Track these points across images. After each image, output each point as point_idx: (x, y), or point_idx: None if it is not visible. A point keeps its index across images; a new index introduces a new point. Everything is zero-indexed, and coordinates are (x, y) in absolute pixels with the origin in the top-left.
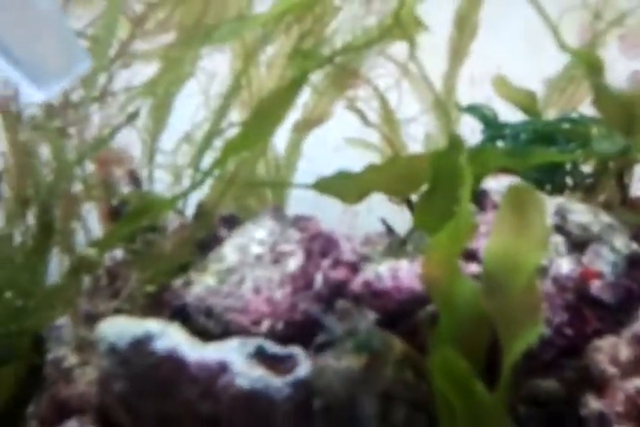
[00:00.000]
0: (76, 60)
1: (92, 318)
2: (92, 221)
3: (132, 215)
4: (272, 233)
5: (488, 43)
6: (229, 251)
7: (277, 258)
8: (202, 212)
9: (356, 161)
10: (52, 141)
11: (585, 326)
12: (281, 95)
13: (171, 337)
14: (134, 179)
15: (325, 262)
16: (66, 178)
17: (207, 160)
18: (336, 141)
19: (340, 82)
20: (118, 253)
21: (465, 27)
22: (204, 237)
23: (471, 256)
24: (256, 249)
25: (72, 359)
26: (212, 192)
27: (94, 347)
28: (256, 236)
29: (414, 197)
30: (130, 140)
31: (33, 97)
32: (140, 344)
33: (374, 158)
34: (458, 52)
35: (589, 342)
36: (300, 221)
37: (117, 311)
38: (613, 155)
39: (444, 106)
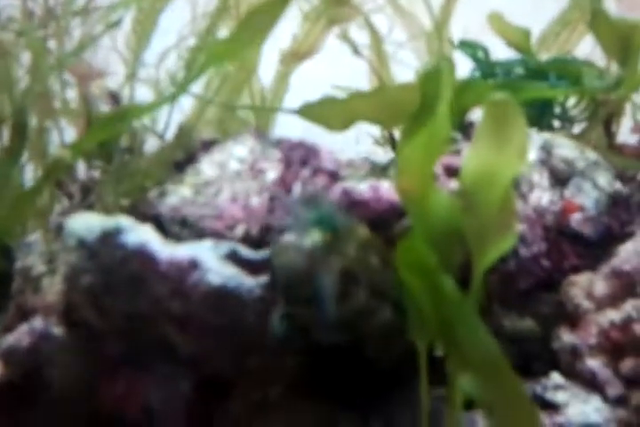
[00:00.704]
0: None
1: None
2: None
3: (109, 120)
4: (252, 151)
5: None
6: (207, 166)
7: (256, 175)
8: (181, 132)
9: None
10: (32, 46)
11: (562, 260)
12: (270, 6)
13: (141, 233)
14: (113, 97)
15: (305, 171)
16: (42, 81)
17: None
18: (324, 76)
19: (332, 12)
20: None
21: None
22: (182, 158)
23: (454, 172)
24: (235, 165)
25: (40, 268)
26: (192, 114)
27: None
28: (235, 153)
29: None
30: (112, 59)
31: None
32: (110, 237)
33: None
34: None
35: (566, 276)
36: (281, 143)
37: None
38: (604, 90)
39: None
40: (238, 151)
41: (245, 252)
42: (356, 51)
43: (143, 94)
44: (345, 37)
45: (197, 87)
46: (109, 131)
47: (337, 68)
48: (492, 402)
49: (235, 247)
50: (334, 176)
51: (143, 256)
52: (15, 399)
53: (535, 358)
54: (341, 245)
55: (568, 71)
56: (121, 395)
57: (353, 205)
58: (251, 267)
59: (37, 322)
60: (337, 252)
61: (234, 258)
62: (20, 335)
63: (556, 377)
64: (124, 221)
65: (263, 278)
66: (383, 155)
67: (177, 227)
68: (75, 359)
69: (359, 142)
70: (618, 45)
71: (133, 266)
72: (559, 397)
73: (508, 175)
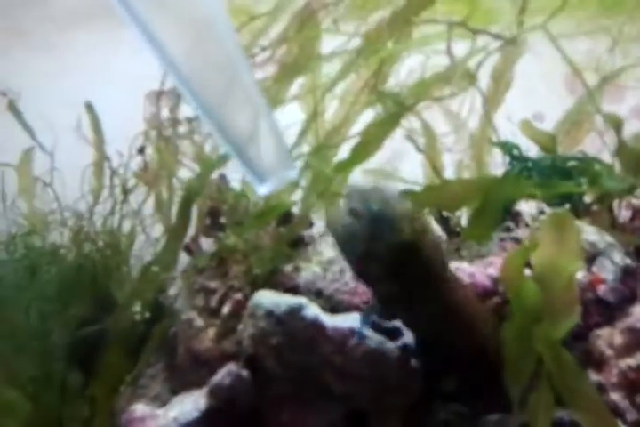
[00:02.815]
0: (285, 166)
1: (205, 291)
2: None
3: (262, 213)
4: None
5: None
6: (325, 246)
7: None
8: (301, 216)
9: None
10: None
11: (589, 319)
12: (382, 126)
13: (314, 309)
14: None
15: None
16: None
17: None
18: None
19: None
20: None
21: (500, 80)
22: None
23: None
24: None
25: (199, 321)
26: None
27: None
28: None
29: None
30: None
31: (258, 190)
32: (295, 311)
33: None
34: (493, 100)
35: (591, 331)
36: None
37: (230, 288)
38: (621, 192)
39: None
40: None
41: (381, 321)
42: (418, 149)
43: None
44: (409, 138)
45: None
46: (265, 219)
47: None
48: None
49: (373, 318)
50: None
51: (316, 326)
52: (219, 421)
53: None
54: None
55: (587, 171)
56: (286, 420)
57: None
58: (386, 332)
59: (232, 367)
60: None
61: (374, 326)
62: (222, 376)
63: None
64: (304, 299)
65: (399, 342)
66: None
67: (312, 296)
68: (255, 394)
69: None
70: (633, 162)
71: (309, 332)
72: None
73: (570, 268)
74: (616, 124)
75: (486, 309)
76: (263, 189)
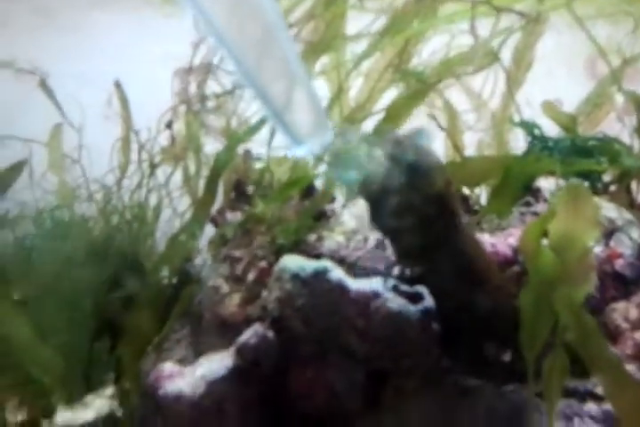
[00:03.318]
0: (322, 130)
1: (230, 260)
2: None
3: (287, 186)
4: None
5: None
6: (347, 218)
7: None
8: (322, 191)
9: None
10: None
11: (606, 293)
12: (406, 102)
13: (339, 273)
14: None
15: None
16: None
17: None
18: None
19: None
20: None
21: (522, 60)
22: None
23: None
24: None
25: (225, 288)
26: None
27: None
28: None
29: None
30: None
31: (296, 152)
32: (320, 274)
33: None
34: (514, 81)
35: (608, 305)
36: None
37: (254, 256)
38: (636, 168)
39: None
40: None
41: (402, 286)
42: (440, 127)
43: None
44: (431, 116)
45: None
46: (290, 190)
47: None
48: (614, 394)
49: (395, 283)
50: None
51: (340, 288)
52: (245, 379)
53: None
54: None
55: (607, 150)
56: (310, 379)
57: None
58: (407, 297)
59: (258, 327)
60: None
61: (396, 290)
62: (248, 337)
63: None
64: (329, 263)
65: (420, 306)
66: None
67: (336, 264)
68: (280, 354)
69: None
70: None
71: (334, 295)
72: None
73: (585, 239)
74: (637, 102)
75: (494, 263)
76: (300, 151)
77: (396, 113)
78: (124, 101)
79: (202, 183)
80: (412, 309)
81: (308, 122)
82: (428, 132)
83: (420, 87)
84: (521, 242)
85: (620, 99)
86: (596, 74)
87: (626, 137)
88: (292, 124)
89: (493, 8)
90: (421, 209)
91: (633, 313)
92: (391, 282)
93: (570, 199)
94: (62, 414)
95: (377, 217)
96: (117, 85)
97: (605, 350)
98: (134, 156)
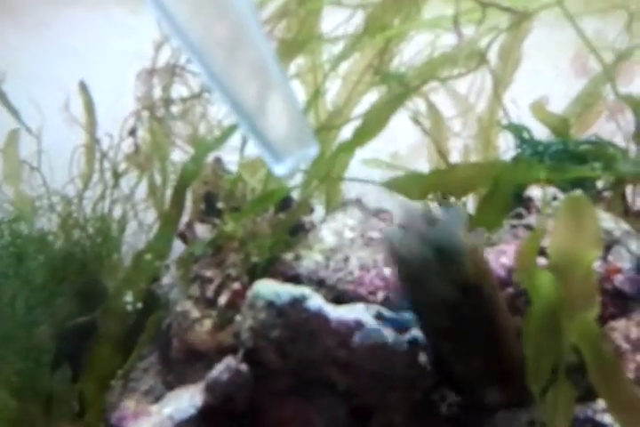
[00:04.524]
0: (305, 143)
1: (200, 280)
2: None
3: (261, 198)
4: (360, 221)
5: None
6: (326, 234)
7: (367, 242)
8: (301, 203)
9: None
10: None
11: (604, 311)
12: (386, 107)
13: (317, 300)
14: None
15: None
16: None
17: None
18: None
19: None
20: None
21: (508, 59)
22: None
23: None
24: (349, 234)
25: (194, 312)
26: (306, 188)
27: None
28: (348, 223)
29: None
30: None
31: (274, 170)
32: (297, 302)
33: None
34: (501, 81)
35: (606, 323)
36: (380, 213)
37: (227, 277)
38: (633, 173)
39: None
40: (348, 221)
41: (387, 313)
42: (425, 131)
43: None
44: (415, 120)
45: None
46: (261, 205)
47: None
48: None
49: (379, 309)
50: None
51: (320, 317)
52: (217, 418)
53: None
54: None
55: (601, 154)
56: (288, 416)
57: None
58: (393, 325)
59: (230, 361)
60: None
61: (380, 318)
62: (220, 371)
63: (602, 402)
64: (307, 290)
65: (408, 336)
66: None
67: (315, 287)
68: (254, 389)
69: None
70: None
71: (312, 325)
72: (605, 418)
73: (588, 257)
74: (634, 105)
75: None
76: (280, 170)
77: (375, 118)
78: (89, 105)
79: (169, 194)
80: (399, 339)
81: (287, 133)
82: (460, 211)
83: (401, 90)
84: (516, 264)
85: (611, 97)
86: (585, 71)
87: (620, 140)
88: (269, 136)
89: (479, 4)
90: (449, 294)
91: (634, 332)
92: (375, 309)
93: (570, 213)
94: None
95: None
96: (82, 87)
97: (622, 379)
98: (96, 164)
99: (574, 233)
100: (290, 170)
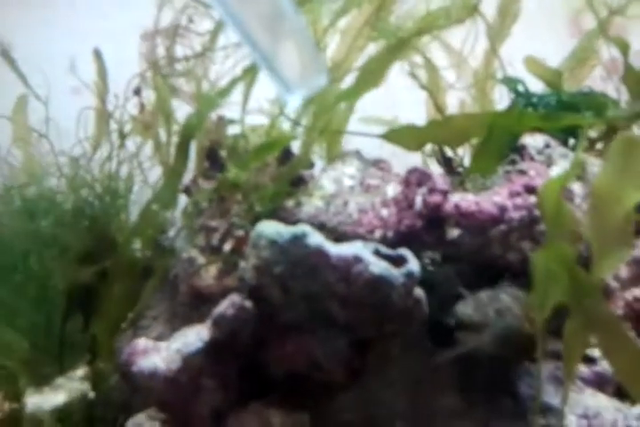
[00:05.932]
0: (316, 73)
1: (206, 230)
2: None
3: (264, 146)
4: (358, 170)
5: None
6: (326, 182)
7: (366, 190)
8: (301, 154)
9: None
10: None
11: None
12: (383, 58)
13: (318, 237)
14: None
15: (422, 189)
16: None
17: None
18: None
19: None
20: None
21: (507, 12)
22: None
23: (532, 190)
24: (348, 182)
25: (200, 259)
26: (306, 140)
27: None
28: (347, 171)
29: None
30: None
31: (285, 100)
32: (298, 239)
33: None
34: (499, 34)
35: None
36: (379, 162)
37: (231, 226)
38: (624, 118)
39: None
40: (347, 170)
41: (384, 249)
42: (422, 86)
43: None
44: (412, 75)
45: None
46: (264, 154)
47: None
48: (612, 352)
49: (377, 246)
50: (445, 194)
51: (320, 253)
52: (223, 352)
53: None
54: None
55: (593, 104)
56: (291, 349)
57: (462, 215)
58: (390, 260)
59: (235, 297)
60: None
61: (378, 254)
62: (225, 307)
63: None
64: (307, 228)
65: (404, 269)
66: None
67: (315, 230)
68: (258, 324)
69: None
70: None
71: (313, 260)
72: (595, 352)
73: (631, 197)
74: (623, 47)
75: None
76: (292, 100)
77: (371, 70)
78: (102, 72)
79: (174, 151)
80: (395, 272)
81: (299, 65)
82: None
83: (395, 43)
84: (540, 196)
85: (605, 55)
86: (580, 31)
87: (612, 93)
88: (282, 67)
89: None
90: None
91: (623, 272)
92: (372, 245)
93: (621, 152)
94: (31, 399)
95: None
96: (97, 55)
97: (604, 308)
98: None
99: (620, 173)
100: (301, 97)
